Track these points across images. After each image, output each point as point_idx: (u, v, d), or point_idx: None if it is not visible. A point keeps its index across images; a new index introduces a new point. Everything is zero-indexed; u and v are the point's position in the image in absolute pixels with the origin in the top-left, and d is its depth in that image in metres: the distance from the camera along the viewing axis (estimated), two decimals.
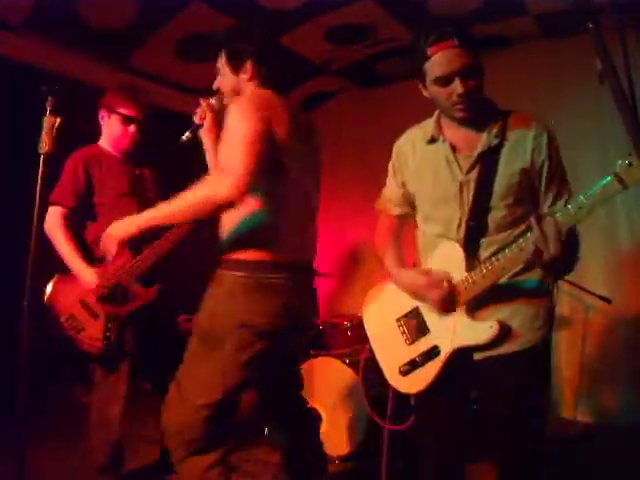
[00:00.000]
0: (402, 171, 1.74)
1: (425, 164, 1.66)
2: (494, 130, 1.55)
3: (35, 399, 1.76)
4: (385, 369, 1.75)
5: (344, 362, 2.94)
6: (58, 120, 1.69)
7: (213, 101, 1.96)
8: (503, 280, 1.54)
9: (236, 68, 1.89)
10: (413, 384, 1.66)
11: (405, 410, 2.16)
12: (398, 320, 1.72)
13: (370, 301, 1.86)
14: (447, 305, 1.57)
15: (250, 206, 1.69)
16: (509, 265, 1.49)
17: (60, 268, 2.40)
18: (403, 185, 1.74)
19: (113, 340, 2.33)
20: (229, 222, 1.78)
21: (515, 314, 1.56)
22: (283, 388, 2.06)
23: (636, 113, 1.11)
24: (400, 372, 1.67)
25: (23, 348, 1.66)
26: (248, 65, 1.87)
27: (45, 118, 1.69)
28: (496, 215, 1.55)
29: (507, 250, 1.48)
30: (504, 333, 1.53)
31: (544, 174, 1.54)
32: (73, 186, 2.37)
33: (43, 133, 1.68)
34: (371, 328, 1.84)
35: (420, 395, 1.66)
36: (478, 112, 1.55)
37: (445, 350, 1.59)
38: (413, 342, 1.67)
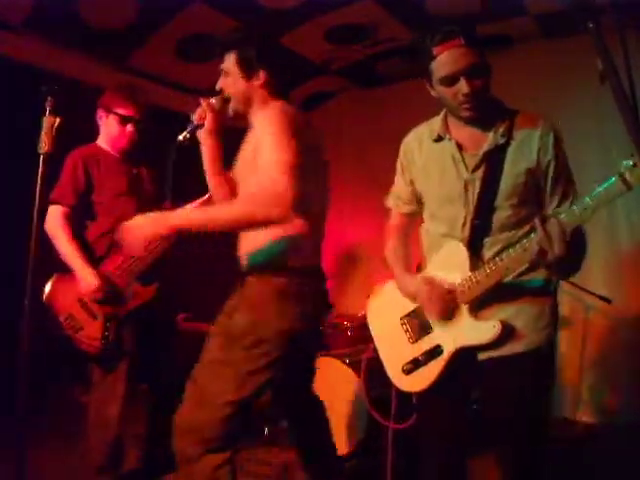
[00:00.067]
0: (410, 169, 1.74)
1: (431, 162, 1.66)
2: (500, 129, 1.54)
3: (35, 399, 1.76)
4: (388, 368, 1.75)
5: (344, 362, 2.93)
6: (58, 120, 1.69)
7: (214, 101, 1.92)
8: (507, 280, 1.54)
9: (248, 73, 1.86)
10: (416, 383, 1.66)
11: (407, 409, 2.16)
12: (402, 319, 1.73)
13: (374, 300, 1.87)
14: (445, 317, 1.59)
15: (295, 227, 1.71)
16: (513, 265, 1.49)
17: (59, 267, 2.40)
18: (411, 183, 1.74)
19: (111, 340, 2.33)
20: (259, 233, 1.76)
21: (519, 314, 1.55)
22: (300, 386, 2.09)
23: (637, 113, 1.11)
24: (403, 371, 1.68)
25: (23, 348, 1.66)
26: (261, 73, 1.86)
27: (45, 118, 1.69)
28: (501, 215, 1.55)
29: (511, 250, 1.48)
30: (507, 333, 1.53)
31: (550, 174, 1.53)
32: (73, 185, 2.37)
33: (43, 133, 1.68)
34: (375, 327, 1.84)
35: (422, 394, 1.66)
36: (485, 111, 1.54)
37: (448, 349, 1.59)
38: (416, 341, 1.67)
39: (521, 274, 1.55)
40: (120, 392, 2.36)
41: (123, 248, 1.69)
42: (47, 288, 2.38)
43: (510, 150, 1.54)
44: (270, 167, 1.59)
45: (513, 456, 1.57)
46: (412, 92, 4.60)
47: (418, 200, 1.75)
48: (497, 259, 1.50)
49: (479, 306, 1.57)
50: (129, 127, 2.46)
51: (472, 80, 1.47)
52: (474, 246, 1.57)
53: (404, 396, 1.80)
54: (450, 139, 1.61)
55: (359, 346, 3.38)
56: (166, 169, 1.91)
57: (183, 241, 2.38)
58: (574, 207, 1.36)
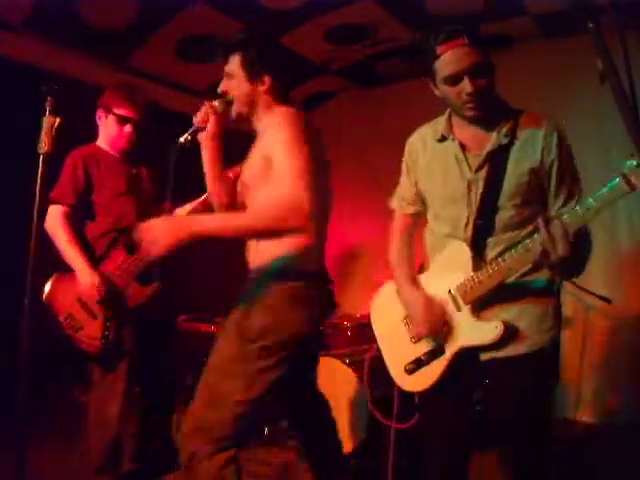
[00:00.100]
0: (414, 169, 1.74)
1: (435, 162, 1.65)
2: (504, 129, 1.54)
3: (35, 399, 1.76)
4: (391, 367, 1.75)
5: (344, 362, 2.93)
6: (57, 120, 1.69)
7: (217, 104, 1.91)
8: (511, 280, 1.53)
9: (253, 77, 1.86)
10: (418, 383, 1.66)
11: (409, 409, 2.16)
12: (404, 318, 1.72)
13: (378, 299, 1.86)
14: (437, 334, 1.61)
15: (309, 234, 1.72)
16: (516, 266, 1.48)
17: (59, 267, 2.40)
18: (416, 183, 1.74)
19: (111, 339, 2.33)
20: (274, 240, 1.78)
21: (522, 315, 1.55)
22: (304, 385, 2.11)
23: (637, 113, 1.11)
24: (405, 370, 1.67)
25: (23, 348, 1.66)
26: (266, 78, 1.87)
27: (44, 118, 1.69)
28: (504, 215, 1.54)
29: (514, 251, 1.47)
30: (510, 334, 1.52)
31: (554, 174, 1.52)
32: (73, 184, 2.38)
33: (42, 133, 1.68)
34: (378, 326, 1.84)
35: (424, 394, 1.66)
36: (488, 111, 1.53)
37: (450, 349, 1.59)
38: (418, 341, 1.67)
39: (524, 274, 1.55)
40: (120, 392, 2.36)
41: (141, 249, 1.64)
42: (47, 288, 2.38)
43: (514, 150, 1.53)
44: (287, 178, 1.61)
45: (516, 457, 1.57)
46: (412, 92, 4.61)
47: (422, 201, 1.75)
48: (500, 259, 1.50)
49: (482, 306, 1.56)
50: (127, 127, 2.46)
51: (476, 79, 1.46)
52: (477, 246, 1.56)
53: (406, 396, 1.79)
54: (454, 139, 1.60)
55: (359, 346, 3.39)
56: (167, 170, 1.90)
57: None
58: (577, 208, 1.35)
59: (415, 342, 1.67)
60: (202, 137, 1.95)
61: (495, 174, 1.53)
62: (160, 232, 1.57)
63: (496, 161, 1.54)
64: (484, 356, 1.57)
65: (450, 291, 1.61)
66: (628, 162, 1.28)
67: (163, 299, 2.48)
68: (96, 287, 2.30)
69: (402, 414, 2.30)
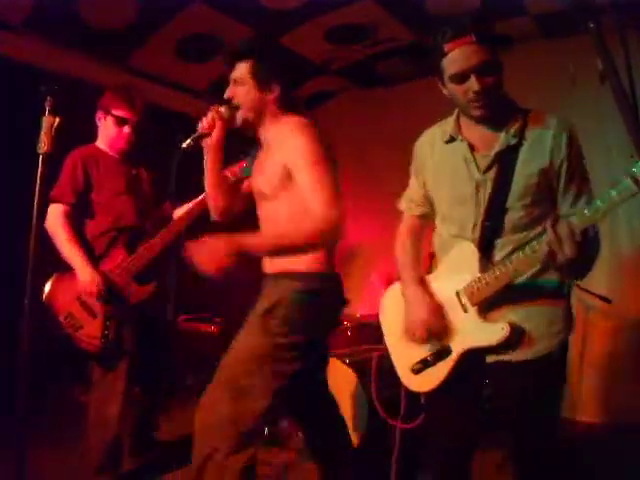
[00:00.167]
0: (422, 171, 1.72)
1: (443, 163, 1.64)
2: (512, 129, 1.52)
3: (35, 399, 1.76)
4: (398, 367, 1.75)
5: (344, 362, 2.93)
6: (57, 120, 1.69)
7: (223, 110, 1.90)
8: (520, 281, 1.51)
9: (262, 86, 1.88)
10: (424, 383, 1.65)
11: (415, 409, 2.16)
12: None
13: (387, 299, 1.86)
14: (432, 338, 1.61)
15: None
16: (522, 267, 1.46)
17: (59, 267, 2.40)
18: (424, 185, 1.73)
19: (111, 338, 2.34)
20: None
21: (532, 317, 1.53)
22: (317, 383, 2.17)
23: (637, 113, 1.11)
24: (412, 370, 1.67)
25: (23, 348, 1.66)
26: (275, 86, 1.89)
27: (44, 118, 1.69)
28: (513, 216, 1.53)
29: (521, 252, 1.45)
30: (518, 336, 1.50)
31: (563, 174, 1.50)
32: (72, 184, 2.39)
33: (42, 133, 1.68)
34: (387, 326, 1.84)
35: (431, 394, 1.65)
36: (496, 110, 1.51)
37: (456, 350, 1.58)
38: (426, 341, 1.66)
39: (534, 276, 1.52)
40: (120, 391, 2.36)
41: (195, 267, 1.67)
42: (47, 287, 2.39)
43: (522, 150, 1.51)
44: (318, 194, 1.72)
45: (524, 460, 1.56)
46: (412, 92, 4.63)
47: (431, 202, 1.74)
48: (507, 261, 1.48)
49: (491, 308, 1.54)
50: (126, 129, 2.48)
51: (483, 77, 1.45)
52: (485, 247, 1.55)
53: (413, 396, 1.79)
54: (462, 140, 1.59)
55: (359, 346, 3.39)
56: (169, 174, 1.90)
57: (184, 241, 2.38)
58: (585, 210, 1.33)
59: (422, 342, 1.67)
60: (207, 143, 1.95)
61: (504, 175, 1.52)
62: (210, 251, 1.62)
63: (505, 162, 1.52)
64: (490, 358, 1.55)
65: (457, 292, 1.59)
66: (638, 162, 1.24)
67: (162, 298, 2.49)
68: (95, 284, 2.30)
69: (403, 414, 2.31)
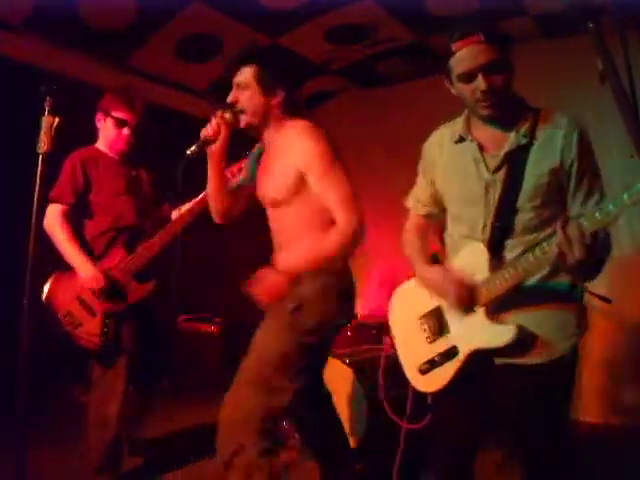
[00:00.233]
0: (431, 171, 1.71)
1: (453, 164, 1.63)
2: (522, 129, 1.50)
3: (35, 399, 1.76)
4: (406, 367, 1.74)
5: (344, 362, 2.93)
6: (57, 120, 1.69)
7: (227, 115, 1.90)
8: (530, 284, 1.49)
9: (267, 90, 1.89)
10: (431, 383, 1.65)
11: (419, 409, 2.16)
12: (421, 318, 1.70)
13: (396, 298, 1.85)
14: (465, 304, 1.54)
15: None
16: (532, 268, 1.44)
17: (59, 267, 2.41)
18: (432, 184, 1.72)
19: (111, 336, 2.34)
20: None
21: (543, 322, 1.51)
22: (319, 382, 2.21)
23: (637, 113, 1.11)
24: (419, 371, 1.66)
25: (23, 348, 1.66)
26: (279, 91, 1.90)
27: (43, 118, 1.69)
28: (523, 217, 1.51)
29: (531, 253, 1.43)
30: (526, 339, 1.49)
31: (573, 174, 1.48)
32: (72, 185, 2.39)
33: (41, 133, 1.68)
34: (395, 325, 1.83)
35: (438, 395, 1.64)
36: (505, 109, 1.50)
37: (463, 351, 1.57)
38: (433, 341, 1.65)
39: (544, 278, 1.51)
40: (120, 391, 2.37)
41: (256, 301, 1.84)
42: (46, 287, 2.39)
43: (533, 150, 1.49)
44: (341, 203, 1.81)
45: (534, 462, 1.55)
46: (412, 92, 4.63)
47: (438, 203, 1.72)
48: (516, 262, 1.46)
49: (500, 310, 1.53)
50: (125, 130, 2.49)
51: (490, 77, 1.43)
52: (495, 248, 1.53)
53: (417, 396, 1.79)
54: (472, 140, 1.57)
55: (359, 346, 3.39)
56: (174, 180, 1.90)
57: (184, 241, 2.39)
58: (596, 213, 1.30)
59: (430, 342, 1.66)
60: (212, 150, 1.94)
61: (514, 175, 1.50)
62: (270, 281, 1.80)
63: (514, 162, 1.50)
64: (498, 360, 1.54)
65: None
66: None
67: (161, 297, 2.49)
68: (97, 280, 2.31)
69: (409, 414, 2.30)
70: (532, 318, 1.51)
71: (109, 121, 2.48)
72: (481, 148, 1.56)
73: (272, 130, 1.94)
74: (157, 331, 2.68)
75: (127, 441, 2.52)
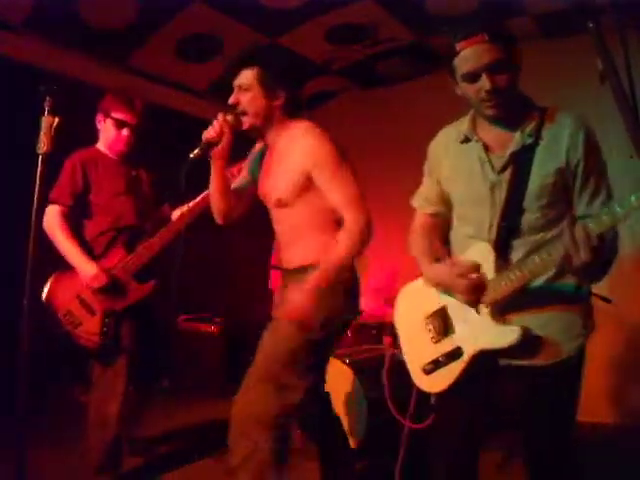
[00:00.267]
0: (437, 171, 1.70)
1: (458, 164, 1.62)
2: (528, 128, 1.49)
3: (35, 399, 1.76)
4: (410, 367, 1.73)
5: (344, 362, 2.93)
6: (56, 120, 1.69)
7: (229, 118, 1.90)
8: (536, 286, 1.49)
9: (269, 92, 1.90)
10: (435, 383, 1.64)
11: (418, 409, 2.15)
12: (426, 318, 1.70)
13: (402, 298, 1.84)
14: (474, 295, 1.52)
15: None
16: (538, 270, 1.43)
17: (59, 267, 2.41)
18: (438, 183, 1.71)
19: (110, 335, 2.35)
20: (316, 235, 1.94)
21: (548, 324, 1.50)
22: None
23: (637, 113, 1.10)
24: (424, 370, 1.65)
25: (23, 348, 1.66)
26: (280, 93, 1.91)
27: (43, 118, 1.69)
28: (529, 217, 1.50)
29: (537, 254, 1.42)
30: (531, 341, 1.48)
31: (579, 174, 1.46)
32: (71, 187, 2.40)
33: (41, 133, 1.68)
34: (400, 326, 1.82)
35: (441, 395, 1.64)
36: (510, 109, 1.49)
37: (468, 352, 1.56)
38: (438, 341, 1.64)
39: (550, 279, 1.50)
40: (120, 391, 2.37)
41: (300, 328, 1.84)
42: (47, 286, 2.39)
43: (538, 150, 1.48)
44: (350, 203, 1.86)
45: (541, 462, 1.55)
46: (413, 92, 4.63)
47: (445, 201, 1.71)
48: (522, 264, 1.45)
49: (506, 311, 1.52)
50: (125, 131, 2.49)
51: (494, 76, 1.42)
52: (501, 248, 1.52)
53: (420, 396, 1.79)
54: (477, 140, 1.57)
55: (359, 346, 3.39)
56: (178, 184, 1.89)
57: (184, 241, 2.39)
58: (603, 216, 1.29)
59: (435, 343, 1.65)
60: (216, 153, 1.93)
61: (519, 175, 1.49)
62: (297, 303, 1.81)
63: (520, 162, 1.49)
64: (502, 362, 1.54)
65: None
66: None
67: (161, 297, 2.50)
68: (99, 276, 2.32)
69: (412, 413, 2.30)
70: (537, 319, 1.50)
71: (109, 122, 2.49)
72: (486, 148, 1.55)
73: (274, 131, 1.95)
74: (157, 330, 2.68)
75: (127, 441, 2.53)
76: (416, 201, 1.82)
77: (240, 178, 2.17)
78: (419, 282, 1.77)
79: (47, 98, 1.69)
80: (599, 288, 3.20)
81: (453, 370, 1.59)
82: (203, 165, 1.96)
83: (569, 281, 1.51)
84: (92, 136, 2.56)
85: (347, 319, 2.07)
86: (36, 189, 1.70)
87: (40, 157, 1.69)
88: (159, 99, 4.07)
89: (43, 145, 1.68)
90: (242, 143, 2.12)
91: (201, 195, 2.44)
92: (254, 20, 3.49)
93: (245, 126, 1.92)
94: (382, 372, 2.68)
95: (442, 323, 1.65)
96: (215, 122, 1.89)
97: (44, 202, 2.26)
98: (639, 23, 2.15)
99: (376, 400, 2.70)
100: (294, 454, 2.83)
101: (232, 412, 1.86)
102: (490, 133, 1.56)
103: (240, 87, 1.90)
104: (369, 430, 2.76)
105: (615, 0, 1.23)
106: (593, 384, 3.48)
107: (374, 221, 1.91)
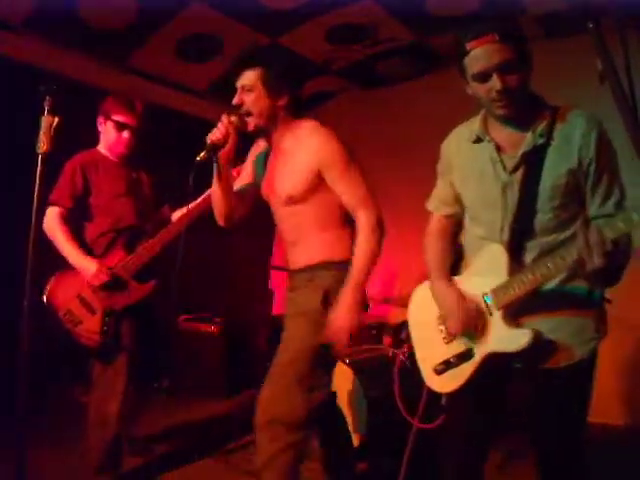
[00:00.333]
0: (449, 171, 1.70)
1: (470, 164, 1.61)
2: (539, 128, 1.48)
3: (35, 399, 1.76)
4: (422, 366, 1.73)
5: (344, 362, 2.93)
6: (56, 119, 1.69)
7: (234, 119, 1.89)
8: (548, 289, 1.48)
9: (273, 93, 1.90)
10: (446, 384, 1.64)
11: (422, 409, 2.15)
12: (438, 318, 1.70)
13: (415, 297, 1.84)
14: (468, 331, 1.58)
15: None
16: (551, 273, 1.42)
17: (59, 267, 2.41)
18: (451, 185, 1.70)
19: (110, 334, 2.35)
20: (319, 233, 1.95)
21: (560, 328, 1.50)
22: None
23: (636, 113, 1.10)
24: (434, 371, 1.65)
25: (23, 348, 1.66)
26: (284, 93, 1.91)
27: (43, 118, 1.69)
28: (541, 218, 1.49)
29: (550, 258, 1.41)
30: (542, 343, 1.47)
31: (591, 174, 1.44)
32: (71, 189, 2.40)
33: (41, 133, 1.68)
34: (413, 326, 1.82)
35: (452, 395, 1.64)
36: (522, 109, 1.48)
37: (479, 353, 1.56)
38: (450, 342, 1.64)
39: (562, 283, 1.49)
40: (120, 391, 2.37)
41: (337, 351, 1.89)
42: (47, 287, 2.40)
43: (550, 150, 1.47)
44: (363, 201, 1.90)
45: (551, 463, 1.55)
46: (412, 93, 4.63)
47: (460, 201, 1.70)
48: (535, 267, 1.44)
49: (518, 314, 1.52)
50: (125, 134, 2.49)
51: (505, 76, 1.41)
52: (514, 250, 1.51)
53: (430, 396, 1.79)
54: (489, 140, 1.55)
55: (359, 346, 3.39)
56: (186, 187, 1.88)
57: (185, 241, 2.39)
58: (619, 222, 1.27)
59: (447, 343, 1.65)
60: (222, 155, 1.91)
61: (531, 176, 1.48)
62: (340, 322, 1.82)
63: (532, 162, 1.48)
64: (514, 364, 1.54)
65: (484, 295, 1.57)
66: None
67: (161, 297, 2.50)
68: (100, 274, 2.32)
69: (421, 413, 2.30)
70: (549, 323, 1.49)
71: (109, 124, 2.49)
72: (498, 149, 1.54)
73: (279, 132, 1.95)
74: (157, 330, 2.69)
75: (127, 440, 2.53)
76: (431, 204, 1.80)
77: (241, 179, 2.17)
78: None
79: (47, 98, 1.69)
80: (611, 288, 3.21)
81: (464, 371, 1.58)
82: (203, 166, 1.96)
83: (581, 284, 1.50)
84: (93, 137, 2.56)
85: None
86: (36, 189, 1.70)
87: (40, 157, 1.69)
88: (159, 99, 4.07)
89: (43, 145, 1.68)
90: (242, 143, 2.12)
91: (202, 196, 2.45)
92: (254, 20, 3.49)
93: (250, 127, 1.91)
94: (383, 372, 2.68)
95: None
96: (220, 124, 1.87)
97: (44, 202, 2.26)
98: (639, 23, 2.15)
99: (376, 399, 2.70)
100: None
101: (257, 413, 1.86)
102: (502, 133, 1.55)
103: (243, 88, 1.90)
104: (369, 429, 2.76)
105: (615, 0, 1.23)
106: (604, 385, 3.47)
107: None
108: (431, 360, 1.68)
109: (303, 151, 1.89)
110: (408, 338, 1.84)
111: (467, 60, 1.46)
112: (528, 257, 1.51)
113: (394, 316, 3.90)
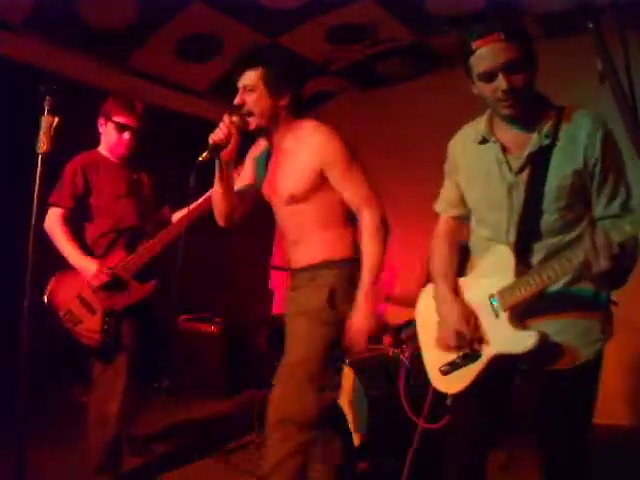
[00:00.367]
0: (455, 172, 1.69)
1: (476, 165, 1.60)
2: (545, 129, 1.47)
3: (35, 399, 1.76)
4: (428, 367, 1.73)
5: (344, 362, 2.93)
6: (56, 119, 1.69)
7: (235, 119, 1.88)
8: (554, 290, 1.47)
9: (273, 92, 1.90)
10: (452, 385, 1.64)
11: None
12: None
13: (423, 298, 1.83)
14: (453, 349, 1.60)
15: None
16: (557, 275, 1.41)
17: (59, 268, 2.41)
18: (457, 186, 1.70)
19: (111, 333, 2.36)
20: (323, 231, 1.96)
21: (566, 330, 1.50)
22: None
23: (636, 113, 1.10)
24: (441, 371, 1.65)
25: (23, 348, 1.66)
26: (286, 93, 1.91)
27: (43, 118, 1.69)
28: (547, 219, 1.48)
29: (556, 260, 1.40)
30: (548, 345, 1.47)
31: (597, 174, 1.44)
32: (72, 191, 2.41)
33: (41, 133, 1.68)
34: (420, 327, 1.82)
35: (457, 396, 1.63)
36: (527, 109, 1.47)
37: (485, 355, 1.55)
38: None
39: (568, 284, 1.49)
40: (120, 390, 2.37)
41: (352, 351, 1.91)
42: (48, 287, 2.40)
43: (556, 151, 1.46)
44: (366, 199, 1.90)
45: (557, 464, 1.55)
46: (412, 93, 4.63)
47: (466, 203, 1.70)
48: (541, 269, 1.43)
49: (524, 316, 1.51)
50: (126, 135, 2.49)
51: (511, 76, 1.41)
52: (520, 251, 1.51)
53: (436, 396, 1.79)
54: (495, 141, 1.55)
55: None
56: (188, 189, 1.88)
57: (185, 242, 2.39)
58: (626, 225, 1.26)
59: (452, 344, 1.64)
60: (224, 155, 1.91)
61: (537, 177, 1.47)
62: (362, 329, 1.84)
63: (537, 163, 1.47)
64: (520, 365, 1.54)
65: (490, 296, 1.56)
66: None
67: (162, 297, 2.50)
68: (100, 274, 2.33)
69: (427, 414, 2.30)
70: (555, 325, 1.49)
71: (110, 125, 2.49)
72: (504, 149, 1.54)
73: (280, 131, 1.95)
74: (157, 330, 2.69)
75: (126, 440, 2.53)
76: (439, 205, 1.80)
77: (242, 180, 2.17)
78: None
79: (47, 98, 1.69)
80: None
81: (470, 372, 1.58)
82: (204, 166, 1.96)
83: (587, 287, 1.50)
84: (93, 137, 2.56)
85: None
86: (36, 189, 1.69)
87: (40, 157, 1.69)
88: (159, 99, 4.08)
89: (43, 145, 1.67)
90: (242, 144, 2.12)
91: (202, 197, 2.45)
92: (254, 20, 3.49)
93: (251, 127, 1.91)
94: (384, 371, 2.68)
95: None
96: (222, 124, 1.87)
97: (44, 202, 2.26)
98: (639, 23, 2.15)
99: (377, 399, 2.70)
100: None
101: (269, 412, 1.86)
102: (507, 133, 1.54)
103: (245, 88, 1.90)
104: (370, 429, 2.76)
105: (615, 0, 1.23)
106: (609, 386, 3.46)
107: None
108: (437, 360, 1.67)
109: (305, 150, 1.89)
110: (408, 338, 1.85)
111: (473, 59, 1.45)
112: (535, 259, 1.50)
113: (394, 315, 3.91)
